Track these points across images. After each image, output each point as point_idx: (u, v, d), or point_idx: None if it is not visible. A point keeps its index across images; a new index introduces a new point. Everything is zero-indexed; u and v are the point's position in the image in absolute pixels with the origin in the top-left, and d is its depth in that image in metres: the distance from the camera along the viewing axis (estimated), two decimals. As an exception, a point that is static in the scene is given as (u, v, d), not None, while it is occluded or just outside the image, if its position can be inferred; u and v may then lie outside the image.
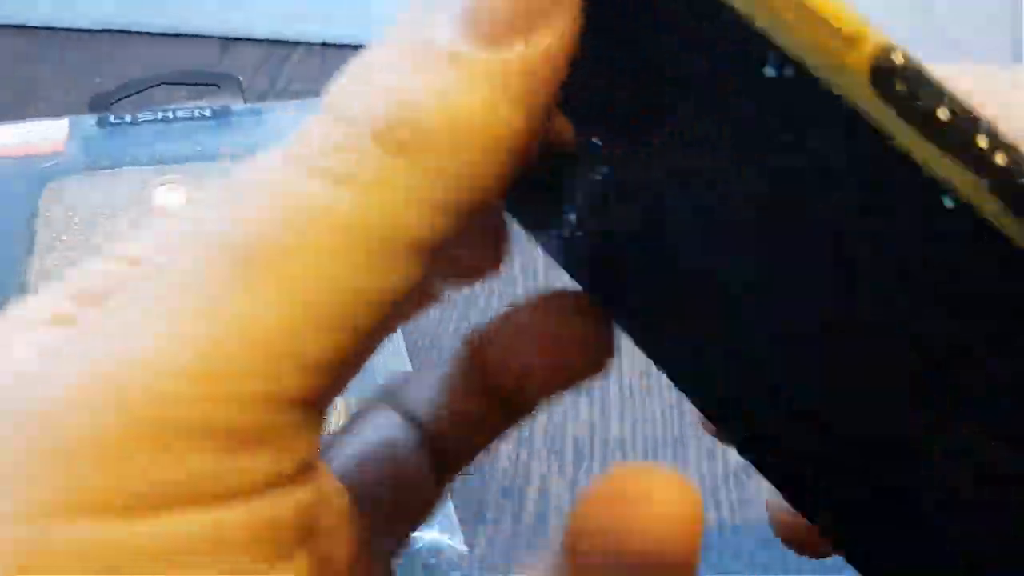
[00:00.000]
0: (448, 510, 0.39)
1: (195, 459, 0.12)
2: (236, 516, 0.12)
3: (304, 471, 0.13)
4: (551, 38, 0.13)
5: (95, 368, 0.12)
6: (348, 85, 0.13)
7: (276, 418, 0.12)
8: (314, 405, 0.13)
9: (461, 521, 0.39)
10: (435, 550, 0.38)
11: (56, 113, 0.55)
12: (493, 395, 0.19)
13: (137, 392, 0.12)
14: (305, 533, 0.13)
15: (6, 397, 0.12)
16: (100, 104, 0.59)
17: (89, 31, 0.69)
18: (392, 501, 0.18)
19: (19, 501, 0.11)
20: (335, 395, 0.13)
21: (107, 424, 0.12)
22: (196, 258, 0.12)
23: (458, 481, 0.20)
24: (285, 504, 0.13)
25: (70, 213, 0.48)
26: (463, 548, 0.38)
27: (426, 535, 0.38)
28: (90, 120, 0.54)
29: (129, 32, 0.68)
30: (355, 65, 0.13)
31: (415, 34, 0.13)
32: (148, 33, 0.68)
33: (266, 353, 0.12)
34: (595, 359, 0.18)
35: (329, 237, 0.12)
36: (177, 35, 0.68)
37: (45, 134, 0.53)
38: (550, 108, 0.13)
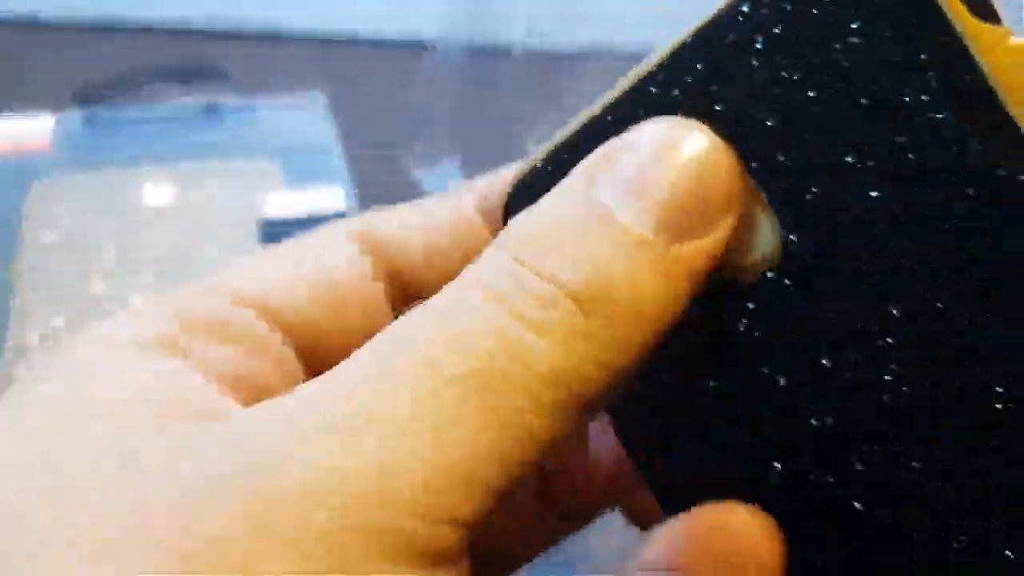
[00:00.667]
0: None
1: (397, 566, 0.13)
2: None
3: None
4: (722, 234, 0.15)
5: (323, 456, 0.13)
6: (540, 240, 0.15)
7: (460, 537, 0.14)
8: (477, 530, 0.14)
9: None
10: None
11: (41, 108, 0.54)
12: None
13: (369, 498, 0.13)
14: None
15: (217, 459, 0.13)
16: (87, 99, 0.58)
17: (75, 24, 0.68)
18: None
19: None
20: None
21: (324, 517, 0.13)
22: (421, 383, 0.14)
23: None
24: None
25: (57, 212, 0.47)
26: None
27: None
28: (77, 115, 0.54)
29: (116, 26, 0.68)
30: (540, 221, 0.15)
31: (598, 201, 0.15)
32: (135, 27, 0.68)
33: (469, 479, 0.13)
34: None
35: (525, 377, 0.14)
36: (165, 28, 0.67)
37: (30, 130, 0.53)
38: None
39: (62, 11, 0.68)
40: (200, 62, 0.64)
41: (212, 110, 0.54)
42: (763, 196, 0.16)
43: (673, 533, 0.16)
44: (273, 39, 0.67)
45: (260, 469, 0.13)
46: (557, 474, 0.20)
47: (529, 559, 0.20)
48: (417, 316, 0.15)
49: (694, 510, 0.16)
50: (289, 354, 0.17)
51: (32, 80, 0.63)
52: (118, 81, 0.59)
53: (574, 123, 0.17)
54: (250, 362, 0.16)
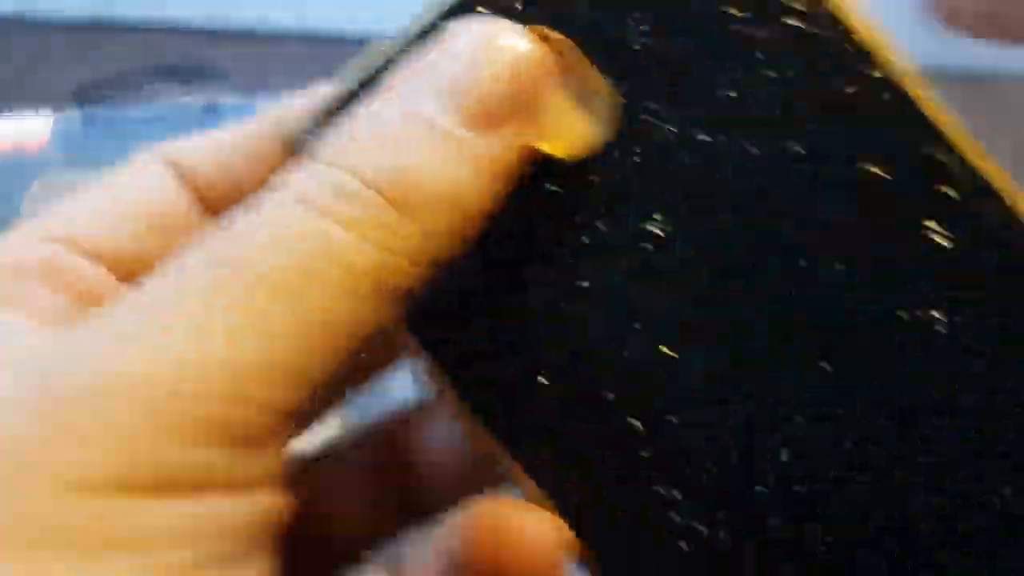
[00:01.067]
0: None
1: (198, 452, 0.13)
2: (222, 508, 0.14)
3: (281, 477, 0.15)
4: (533, 130, 0.16)
5: (119, 361, 0.14)
6: (353, 141, 0.15)
7: (273, 425, 0.14)
8: (296, 419, 0.15)
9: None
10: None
11: (41, 108, 0.54)
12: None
13: (157, 387, 0.13)
14: (269, 534, 0.15)
15: (19, 381, 0.14)
16: (86, 98, 0.58)
17: (74, 23, 0.68)
18: None
19: (30, 478, 0.13)
20: (310, 415, 0.15)
21: (122, 411, 0.13)
22: (219, 280, 0.14)
23: None
24: (262, 504, 0.14)
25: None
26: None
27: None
28: (76, 115, 0.54)
29: (115, 24, 0.68)
30: (356, 123, 0.15)
31: (410, 104, 0.15)
32: (135, 27, 0.68)
33: (272, 365, 0.14)
34: None
35: (334, 272, 0.14)
36: (165, 28, 0.67)
37: (30, 129, 0.52)
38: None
39: (62, 11, 0.68)
40: (200, 62, 0.63)
41: (211, 110, 0.54)
42: (590, 83, 0.17)
43: (453, 531, 0.17)
44: (273, 39, 0.67)
45: (58, 378, 0.14)
46: (394, 463, 0.21)
47: (370, 547, 0.21)
48: (224, 223, 0.15)
49: (477, 506, 0.17)
50: (111, 281, 0.18)
51: (32, 80, 0.63)
52: (118, 81, 0.59)
53: (380, 54, 0.17)
54: (60, 297, 0.17)
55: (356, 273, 0.14)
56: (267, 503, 0.15)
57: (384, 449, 0.21)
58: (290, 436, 0.15)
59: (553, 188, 0.17)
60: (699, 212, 0.17)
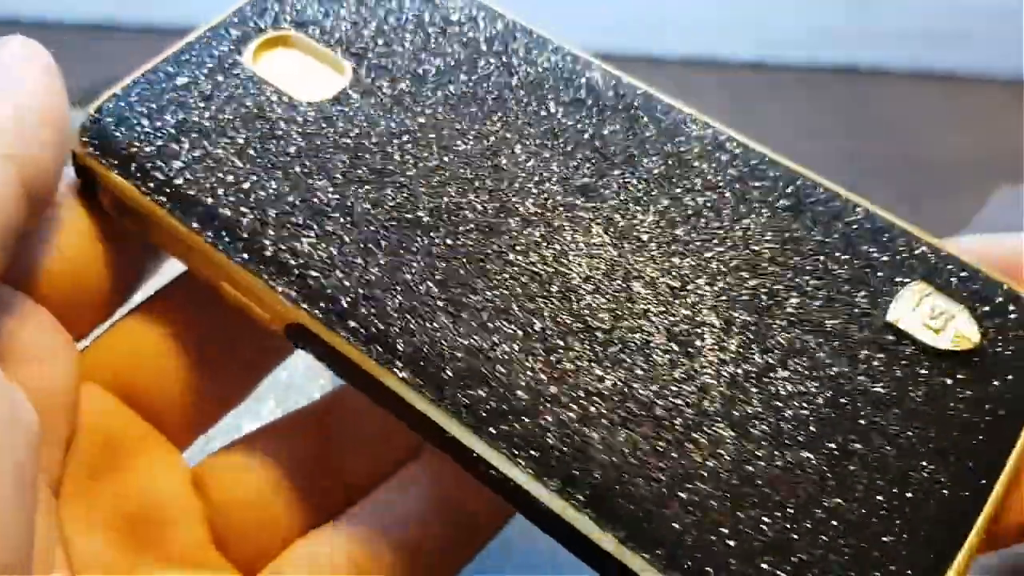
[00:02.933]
0: None
1: None
2: None
3: None
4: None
5: None
6: None
7: None
8: None
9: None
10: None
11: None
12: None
13: None
14: None
15: None
16: (87, 102, 0.58)
17: (75, 24, 0.68)
18: None
19: None
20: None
21: None
22: None
23: None
24: None
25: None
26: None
27: None
28: (77, 118, 0.53)
29: (120, 27, 0.67)
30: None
31: None
32: (135, 27, 0.67)
33: None
34: None
35: None
36: (165, 29, 0.67)
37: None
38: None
39: (62, 11, 0.68)
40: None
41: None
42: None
43: None
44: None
45: None
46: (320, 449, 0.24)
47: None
48: None
49: None
50: None
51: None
52: (118, 83, 0.59)
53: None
54: None
55: None
56: None
57: (311, 435, 0.21)
58: None
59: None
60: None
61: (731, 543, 0.17)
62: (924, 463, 0.18)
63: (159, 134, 0.21)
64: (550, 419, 0.18)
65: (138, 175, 0.22)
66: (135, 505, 0.20)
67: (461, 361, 0.18)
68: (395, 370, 0.19)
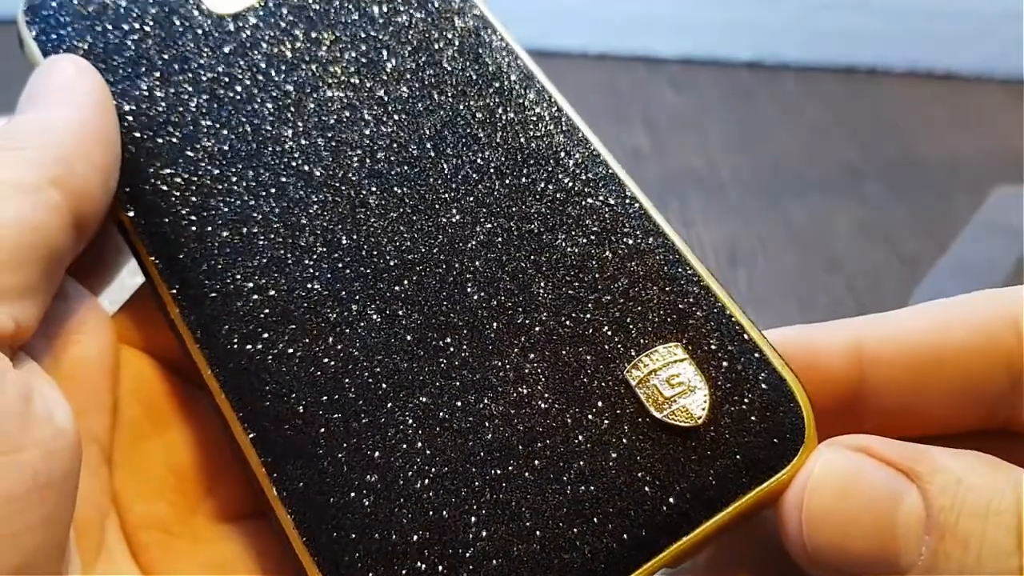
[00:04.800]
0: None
1: None
2: None
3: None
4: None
5: None
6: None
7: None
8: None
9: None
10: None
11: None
12: None
13: None
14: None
15: None
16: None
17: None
18: None
19: None
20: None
21: None
22: None
23: None
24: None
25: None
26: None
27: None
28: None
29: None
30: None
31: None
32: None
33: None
34: None
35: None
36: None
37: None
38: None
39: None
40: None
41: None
42: None
43: None
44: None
45: None
46: None
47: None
48: None
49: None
50: None
51: (21, 83, 0.62)
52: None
53: None
54: None
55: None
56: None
57: None
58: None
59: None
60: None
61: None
62: (580, 530, 0.18)
63: (85, 13, 0.25)
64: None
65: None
66: (183, 462, 0.21)
67: None
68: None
